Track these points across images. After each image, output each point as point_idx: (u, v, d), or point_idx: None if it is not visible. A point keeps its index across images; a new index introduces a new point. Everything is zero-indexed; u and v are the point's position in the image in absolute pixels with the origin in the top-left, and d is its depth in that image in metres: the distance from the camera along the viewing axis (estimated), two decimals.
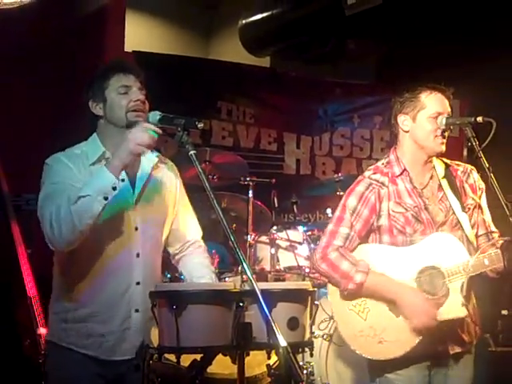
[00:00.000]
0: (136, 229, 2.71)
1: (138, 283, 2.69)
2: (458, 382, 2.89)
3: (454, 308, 2.78)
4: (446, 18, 5.46)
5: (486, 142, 2.78)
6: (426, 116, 2.89)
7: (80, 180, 2.60)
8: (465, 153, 5.75)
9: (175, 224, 2.90)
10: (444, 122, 2.90)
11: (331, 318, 3.62)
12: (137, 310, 2.69)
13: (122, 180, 2.63)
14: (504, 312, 2.67)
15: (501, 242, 2.75)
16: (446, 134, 2.91)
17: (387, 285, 2.81)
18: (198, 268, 2.93)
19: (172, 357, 2.25)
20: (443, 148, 2.92)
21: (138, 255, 2.70)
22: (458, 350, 2.85)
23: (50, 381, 2.73)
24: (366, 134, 6.53)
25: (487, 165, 2.77)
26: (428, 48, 6.02)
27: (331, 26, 5.84)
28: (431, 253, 2.83)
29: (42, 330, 4.00)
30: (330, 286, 2.92)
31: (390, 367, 2.82)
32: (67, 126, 5.49)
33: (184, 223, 2.94)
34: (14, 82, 5.18)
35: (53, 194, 2.58)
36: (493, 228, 2.99)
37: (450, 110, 2.94)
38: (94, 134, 2.78)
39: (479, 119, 2.83)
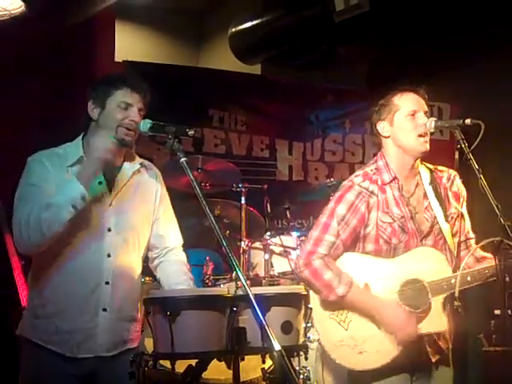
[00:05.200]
0: (109, 230, 2.75)
1: (107, 283, 2.72)
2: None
3: (436, 322, 2.81)
4: (435, 23, 5.49)
5: (475, 144, 2.79)
6: (402, 116, 2.91)
7: (55, 180, 2.68)
8: (456, 156, 5.75)
9: (155, 229, 2.93)
10: (433, 124, 2.92)
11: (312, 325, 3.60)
12: (104, 310, 2.72)
13: (100, 182, 2.73)
14: (497, 312, 2.68)
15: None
16: (427, 132, 2.90)
17: (368, 301, 2.81)
18: (176, 275, 2.94)
19: (167, 363, 2.26)
20: (427, 147, 2.91)
21: (108, 255, 2.74)
22: (438, 357, 2.88)
23: (21, 375, 2.79)
24: (357, 139, 6.56)
25: (477, 166, 2.78)
26: (418, 53, 6.04)
27: (321, 32, 5.86)
28: (415, 266, 2.84)
29: None
30: (311, 292, 2.86)
31: (370, 377, 2.82)
32: (59, 136, 5.50)
33: (164, 229, 2.95)
34: (3, 94, 5.18)
35: (26, 197, 2.67)
36: (471, 234, 3.04)
37: (426, 108, 2.95)
38: (79, 137, 2.84)
39: (468, 121, 2.84)
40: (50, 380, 2.69)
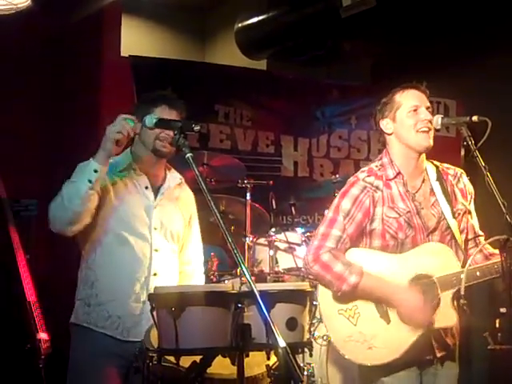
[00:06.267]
0: (155, 228, 3.06)
1: (155, 274, 3.02)
2: (446, 380, 2.93)
3: (444, 318, 2.81)
4: (442, 19, 5.47)
5: (482, 141, 2.79)
6: (404, 112, 2.92)
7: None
8: (462, 153, 5.75)
9: (184, 245, 3.21)
10: (439, 121, 2.91)
11: (320, 320, 3.61)
12: None
13: (146, 187, 3.08)
14: (502, 310, 2.67)
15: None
16: (431, 127, 2.90)
17: (382, 286, 2.81)
18: None
19: (172, 358, 2.26)
20: (430, 142, 2.91)
21: (156, 250, 3.05)
22: (443, 353, 2.89)
23: (72, 358, 3.04)
24: (363, 135, 6.53)
25: (483, 163, 2.77)
26: (424, 49, 6.03)
27: (327, 28, 5.85)
28: (424, 261, 2.84)
29: (42, 335, 4.00)
30: (320, 288, 2.89)
31: (380, 371, 2.83)
32: (66, 132, 5.51)
33: (190, 249, 3.25)
34: (10, 88, 5.19)
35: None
36: (479, 232, 3.04)
37: (428, 103, 2.95)
38: (128, 149, 3.10)
39: (474, 118, 2.83)
40: (101, 357, 2.94)
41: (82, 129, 5.31)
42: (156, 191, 3.11)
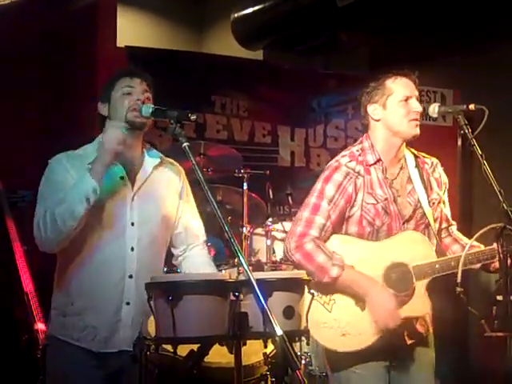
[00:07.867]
0: (132, 224, 2.78)
1: (130, 276, 2.75)
2: (419, 365, 2.92)
3: (418, 306, 2.83)
4: (439, 8, 5.47)
5: (479, 130, 2.79)
6: (396, 101, 2.91)
7: (74, 179, 2.71)
8: (459, 142, 5.75)
9: (180, 226, 2.96)
10: (436, 110, 2.91)
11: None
12: (128, 303, 2.74)
13: (122, 177, 2.77)
14: (499, 298, 2.69)
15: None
16: (419, 116, 2.91)
17: (360, 281, 2.80)
18: (201, 267, 2.96)
19: (169, 347, 2.26)
20: (418, 131, 2.91)
21: (132, 249, 2.77)
22: (414, 340, 2.90)
23: (48, 373, 2.83)
24: (360, 125, 6.51)
25: (480, 152, 2.78)
26: (421, 38, 6.02)
27: (324, 17, 5.83)
28: (400, 250, 2.85)
29: (40, 326, 4.01)
30: None
31: (349, 360, 2.83)
32: (62, 123, 5.50)
33: (189, 226, 2.99)
34: (4, 81, 5.17)
35: (44, 195, 2.73)
36: (452, 221, 3.07)
37: (417, 93, 2.95)
38: (100, 135, 2.84)
39: (471, 107, 2.84)
40: (78, 377, 2.72)
41: (78, 120, 5.31)
42: (134, 178, 2.81)
